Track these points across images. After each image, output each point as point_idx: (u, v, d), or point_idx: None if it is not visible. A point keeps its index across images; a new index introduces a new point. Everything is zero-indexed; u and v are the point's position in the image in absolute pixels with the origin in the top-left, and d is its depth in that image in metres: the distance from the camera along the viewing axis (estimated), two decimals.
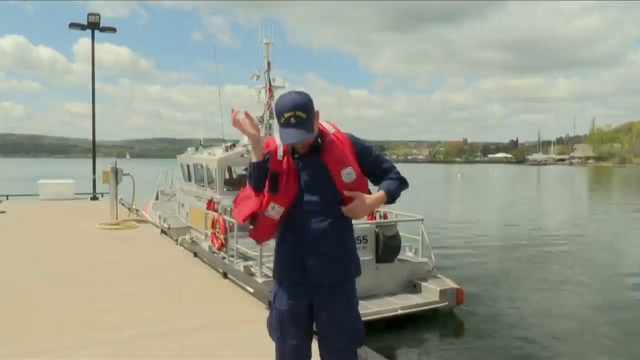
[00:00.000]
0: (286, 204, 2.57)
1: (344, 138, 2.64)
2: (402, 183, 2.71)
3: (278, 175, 2.57)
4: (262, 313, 5.33)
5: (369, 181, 2.74)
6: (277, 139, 2.61)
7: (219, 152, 11.59)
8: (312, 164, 2.59)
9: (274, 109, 2.50)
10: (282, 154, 2.59)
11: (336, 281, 2.63)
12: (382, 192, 2.63)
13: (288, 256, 2.63)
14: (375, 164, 2.69)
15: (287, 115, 2.45)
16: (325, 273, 2.60)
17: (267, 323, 2.78)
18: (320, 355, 2.70)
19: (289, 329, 2.63)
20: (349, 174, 2.57)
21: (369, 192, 2.67)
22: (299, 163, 2.60)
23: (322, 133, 2.63)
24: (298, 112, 2.45)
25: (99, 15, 18.20)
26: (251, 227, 2.69)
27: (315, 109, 2.56)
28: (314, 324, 2.70)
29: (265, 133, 11.62)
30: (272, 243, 2.82)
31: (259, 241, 2.82)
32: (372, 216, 9.40)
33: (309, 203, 2.58)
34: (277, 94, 11.80)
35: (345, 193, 2.59)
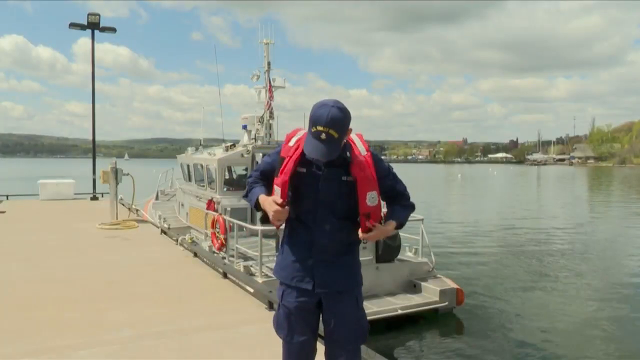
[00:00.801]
0: (281, 184, 2.56)
1: (370, 157, 2.61)
2: (411, 211, 2.75)
3: (283, 160, 2.61)
4: (262, 313, 5.34)
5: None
6: (292, 140, 2.64)
7: (219, 152, 11.59)
8: (336, 176, 2.57)
9: (310, 115, 2.44)
10: (294, 142, 2.62)
11: (344, 289, 2.66)
12: (394, 223, 2.65)
13: (297, 265, 2.64)
14: (391, 187, 2.70)
15: (319, 128, 2.37)
16: (335, 283, 2.63)
17: (273, 320, 2.80)
18: (327, 352, 2.73)
19: (296, 326, 2.66)
20: (373, 197, 2.56)
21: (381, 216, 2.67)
22: (319, 174, 2.57)
23: (351, 147, 2.58)
24: (332, 130, 2.37)
25: (99, 15, 18.17)
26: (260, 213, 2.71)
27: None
28: (320, 321, 2.73)
29: (265, 133, 11.62)
30: (272, 243, 2.82)
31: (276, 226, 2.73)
32: None
33: (323, 215, 2.58)
34: (277, 94, 11.80)
35: (367, 224, 2.55)
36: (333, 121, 2.36)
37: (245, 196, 2.77)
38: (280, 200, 2.51)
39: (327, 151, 2.39)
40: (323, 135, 2.37)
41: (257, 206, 2.65)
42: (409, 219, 2.79)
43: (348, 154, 2.56)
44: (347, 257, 2.68)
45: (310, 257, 2.60)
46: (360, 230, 2.57)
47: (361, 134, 2.67)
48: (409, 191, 2.77)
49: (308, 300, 2.63)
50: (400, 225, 2.69)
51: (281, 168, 2.58)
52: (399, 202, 2.71)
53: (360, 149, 2.58)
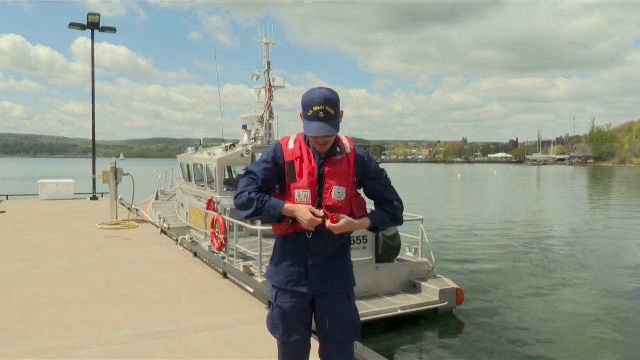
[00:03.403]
0: (308, 186, 2.55)
1: (353, 155, 2.64)
2: (394, 220, 2.71)
3: (293, 163, 2.59)
4: (262, 313, 5.33)
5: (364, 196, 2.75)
6: (291, 139, 2.66)
7: (219, 152, 11.59)
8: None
9: (301, 102, 2.53)
10: (292, 144, 2.62)
11: (338, 291, 2.68)
12: (367, 221, 2.65)
13: (292, 269, 2.64)
14: (380, 192, 2.69)
15: (316, 108, 2.45)
16: (329, 285, 2.65)
17: (267, 321, 2.80)
18: (321, 349, 2.74)
19: (292, 326, 2.67)
20: (340, 192, 2.57)
21: (353, 215, 2.64)
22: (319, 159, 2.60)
23: (340, 144, 2.64)
24: (328, 107, 2.46)
25: (99, 15, 18.20)
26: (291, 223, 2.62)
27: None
28: (313, 319, 2.75)
29: (265, 133, 11.62)
30: (272, 243, 2.82)
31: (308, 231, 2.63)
32: None
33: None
34: (276, 94, 11.80)
35: (334, 216, 2.54)
36: (327, 99, 2.46)
37: (255, 212, 2.55)
38: (321, 213, 2.51)
39: (329, 127, 2.46)
40: (321, 114, 2.45)
41: (280, 217, 2.56)
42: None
43: (338, 149, 2.61)
44: (341, 258, 2.70)
45: (306, 261, 2.61)
46: (328, 221, 2.54)
47: (350, 138, 2.72)
48: (402, 202, 2.73)
49: (302, 300, 2.65)
50: (373, 227, 2.68)
51: (298, 171, 2.57)
52: (385, 207, 2.70)
53: (346, 146, 2.65)
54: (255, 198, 2.55)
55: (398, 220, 2.73)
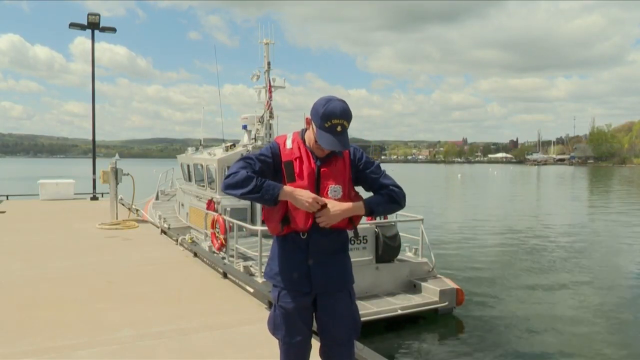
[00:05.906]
0: (308, 186, 2.56)
1: (347, 153, 2.67)
2: (391, 202, 2.65)
3: (292, 163, 2.60)
4: (262, 313, 5.34)
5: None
6: (289, 139, 2.67)
7: (219, 152, 11.60)
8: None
9: (316, 111, 2.49)
10: (290, 144, 2.64)
11: (339, 288, 2.69)
12: (360, 203, 2.63)
13: (293, 268, 2.65)
14: (371, 178, 2.69)
15: (335, 121, 2.46)
16: (332, 283, 2.66)
17: (269, 322, 2.80)
18: (322, 348, 2.75)
19: (294, 326, 2.68)
20: (336, 191, 2.60)
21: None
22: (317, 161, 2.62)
23: None
24: (345, 121, 2.48)
25: (99, 15, 18.20)
26: (284, 226, 2.64)
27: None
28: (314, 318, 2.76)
29: (265, 133, 11.63)
30: (272, 243, 2.82)
31: (302, 231, 2.63)
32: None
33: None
34: (276, 94, 11.80)
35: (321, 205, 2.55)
36: (345, 113, 2.49)
37: (253, 190, 2.45)
38: (324, 201, 2.53)
39: (345, 142, 2.50)
40: (339, 128, 2.47)
41: (277, 200, 2.51)
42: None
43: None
44: (342, 256, 2.72)
45: (307, 259, 2.62)
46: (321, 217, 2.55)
47: None
48: (401, 188, 2.70)
49: (305, 299, 2.66)
50: (368, 209, 2.63)
51: (297, 171, 2.58)
52: (381, 192, 2.69)
53: None
54: (254, 177, 2.48)
55: (396, 202, 2.66)
